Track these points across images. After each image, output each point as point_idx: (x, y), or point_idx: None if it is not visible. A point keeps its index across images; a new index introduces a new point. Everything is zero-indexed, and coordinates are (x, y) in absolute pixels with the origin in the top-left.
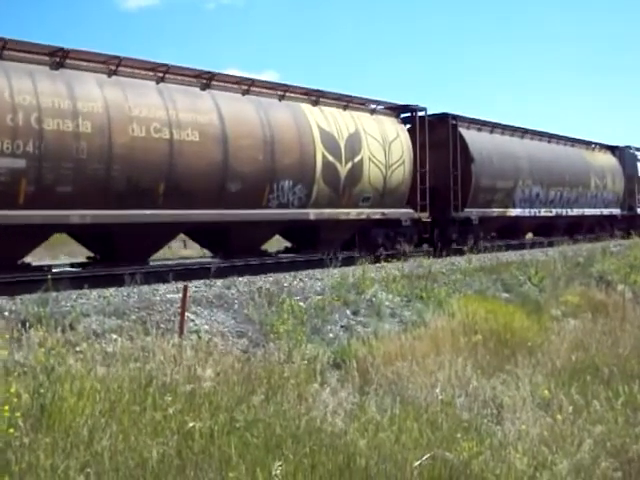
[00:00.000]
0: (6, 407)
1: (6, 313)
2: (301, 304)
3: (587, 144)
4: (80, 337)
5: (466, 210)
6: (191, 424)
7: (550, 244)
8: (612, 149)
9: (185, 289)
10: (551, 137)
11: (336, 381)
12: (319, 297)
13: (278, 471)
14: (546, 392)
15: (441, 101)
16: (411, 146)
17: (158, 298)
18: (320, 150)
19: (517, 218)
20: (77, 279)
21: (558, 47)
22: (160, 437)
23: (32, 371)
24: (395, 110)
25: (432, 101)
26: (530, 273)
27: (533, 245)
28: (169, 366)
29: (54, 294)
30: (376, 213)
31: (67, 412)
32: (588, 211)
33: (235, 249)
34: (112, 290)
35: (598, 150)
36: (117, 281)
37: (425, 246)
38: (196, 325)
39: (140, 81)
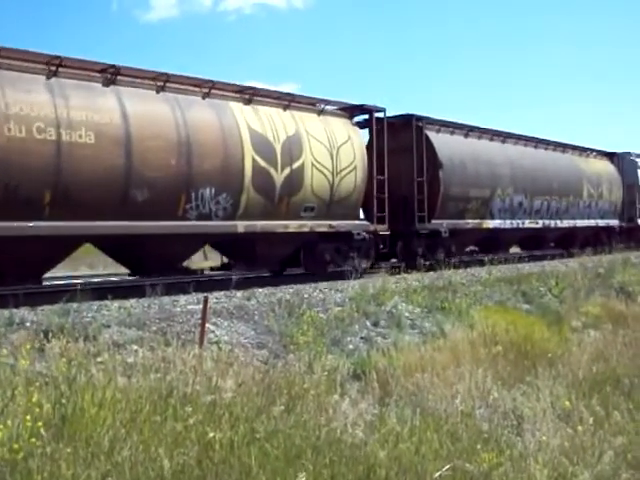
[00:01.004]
0: (28, 417)
1: (28, 324)
2: (321, 315)
3: (580, 150)
4: (101, 348)
5: (434, 222)
6: (211, 435)
7: (533, 258)
8: (610, 156)
9: (205, 300)
10: (538, 142)
11: (356, 392)
12: (339, 308)
13: None
14: (567, 403)
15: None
16: (365, 151)
17: (179, 309)
18: (250, 154)
19: (496, 230)
20: None
21: (561, 55)
22: (180, 447)
23: (53, 381)
24: (348, 111)
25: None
26: (550, 284)
27: (520, 259)
28: (190, 377)
29: (75, 305)
30: (322, 225)
31: (88, 422)
32: (581, 222)
33: (151, 266)
34: (133, 301)
35: (593, 157)
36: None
37: (394, 261)
38: (216, 336)
39: (26, 75)
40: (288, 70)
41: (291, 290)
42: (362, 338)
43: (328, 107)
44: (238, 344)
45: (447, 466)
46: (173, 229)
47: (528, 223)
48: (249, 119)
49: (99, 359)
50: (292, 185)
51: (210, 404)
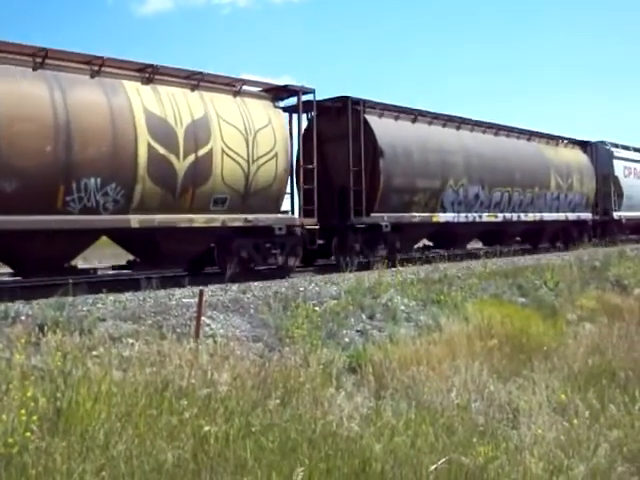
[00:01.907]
0: (23, 411)
1: (23, 317)
2: (316, 308)
3: (548, 138)
4: (97, 341)
5: (373, 215)
6: (207, 428)
7: (493, 254)
8: (582, 145)
9: (201, 293)
10: (499, 129)
11: (352, 385)
12: (335, 301)
13: (300, 477)
14: (562, 396)
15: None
16: (288, 136)
17: (174, 302)
18: (145, 140)
19: (450, 224)
20: None
21: (562, 47)
22: (176, 441)
23: (49, 375)
24: (271, 92)
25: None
26: (546, 277)
27: (479, 255)
28: (185, 370)
29: (70, 298)
30: (236, 219)
31: (83, 416)
32: (549, 216)
33: (33, 265)
34: (128, 294)
35: (564, 145)
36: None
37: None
38: (212, 329)
39: None
40: (283, 63)
41: (286, 283)
42: (358, 331)
43: (247, 88)
44: (234, 337)
45: (443, 459)
46: (51, 224)
47: (486, 217)
48: (146, 100)
49: (94, 353)
50: (198, 174)
51: (206, 398)
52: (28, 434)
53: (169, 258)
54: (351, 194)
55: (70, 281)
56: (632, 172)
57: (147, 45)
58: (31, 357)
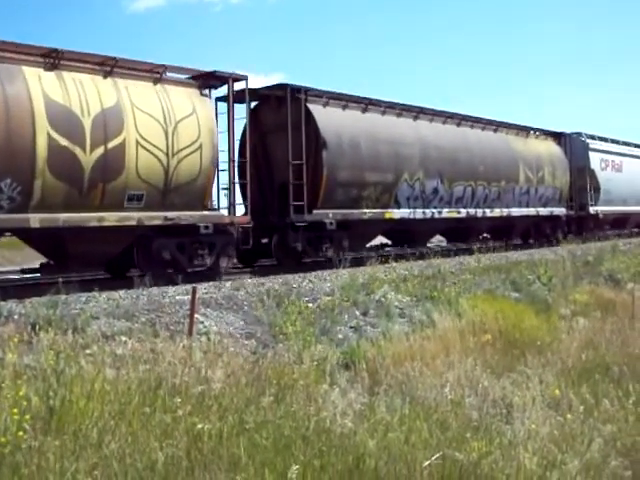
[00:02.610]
0: (15, 410)
1: (16, 316)
2: (310, 305)
3: (518, 129)
4: (90, 340)
5: (316, 212)
6: (200, 426)
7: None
8: (556, 136)
9: (194, 291)
10: (462, 119)
11: (345, 382)
12: (328, 298)
13: (294, 475)
14: (556, 391)
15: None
16: (216, 127)
17: (167, 300)
18: (44, 130)
19: (405, 221)
20: None
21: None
22: (169, 439)
23: (42, 374)
24: (198, 80)
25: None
26: (539, 272)
27: (437, 253)
28: (179, 368)
29: (63, 297)
30: (155, 217)
31: (77, 414)
32: (517, 211)
33: None
34: (121, 292)
35: (535, 137)
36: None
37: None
38: (205, 327)
39: None
40: (275, 60)
41: (280, 280)
42: (351, 327)
43: (171, 75)
44: (227, 334)
45: (436, 455)
46: None
47: (447, 213)
48: (48, 88)
49: (88, 351)
50: (108, 169)
51: (199, 395)
52: (21, 433)
53: (80, 260)
54: (291, 189)
55: (60, 279)
56: (610, 165)
57: (138, 42)
58: (24, 356)
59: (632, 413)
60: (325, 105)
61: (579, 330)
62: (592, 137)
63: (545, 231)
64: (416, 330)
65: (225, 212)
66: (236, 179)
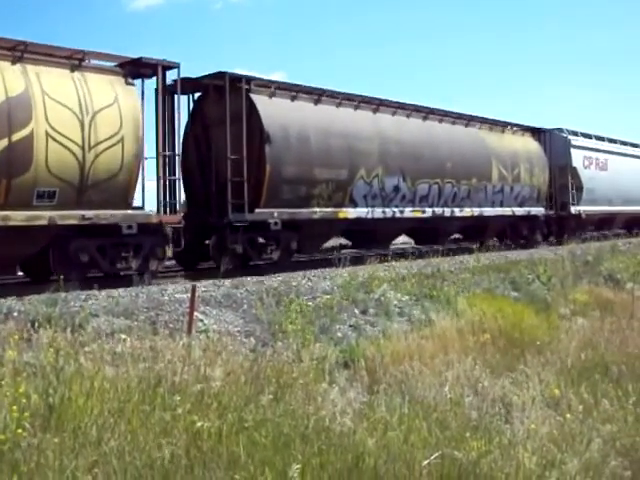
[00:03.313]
0: (15, 407)
1: (15, 314)
2: (309, 303)
3: (491, 124)
4: (89, 337)
5: (259, 211)
6: (200, 424)
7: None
8: (535, 132)
9: (193, 289)
10: (429, 112)
11: (345, 380)
12: (328, 296)
13: (296, 474)
14: (555, 391)
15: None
16: (140, 118)
17: (167, 298)
18: None
19: (362, 221)
20: None
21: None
22: (169, 437)
23: (41, 371)
24: (124, 67)
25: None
26: (539, 271)
27: (401, 255)
28: (178, 366)
29: (63, 294)
30: (69, 217)
31: (76, 412)
32: (490, 211)
33: None
34: (121, 290)
35: (511, 132)
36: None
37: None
38: (205, 325)
39: None
40: (276, 59)
41: (279, 278)
42: (350, 326)
43: (92, 62)
44: (226, 333)
45: (436, 454)
46: None
47: (410, 212)
48: None
49: (87, 349)
50: (13, 162)
51: (199, 393)
52: (20, 431)
53: None
54: (229, 187)
55: (61, 277)
56: (594, 163)
57: (138, 40)
58: (23, 353)
59: (631, 413)
60: (271, 96)
61: (578, 330)
62: (574, 133)
63: (522, 232)
64: (415, 329)
65: (154, 211)
66: (174, 175)
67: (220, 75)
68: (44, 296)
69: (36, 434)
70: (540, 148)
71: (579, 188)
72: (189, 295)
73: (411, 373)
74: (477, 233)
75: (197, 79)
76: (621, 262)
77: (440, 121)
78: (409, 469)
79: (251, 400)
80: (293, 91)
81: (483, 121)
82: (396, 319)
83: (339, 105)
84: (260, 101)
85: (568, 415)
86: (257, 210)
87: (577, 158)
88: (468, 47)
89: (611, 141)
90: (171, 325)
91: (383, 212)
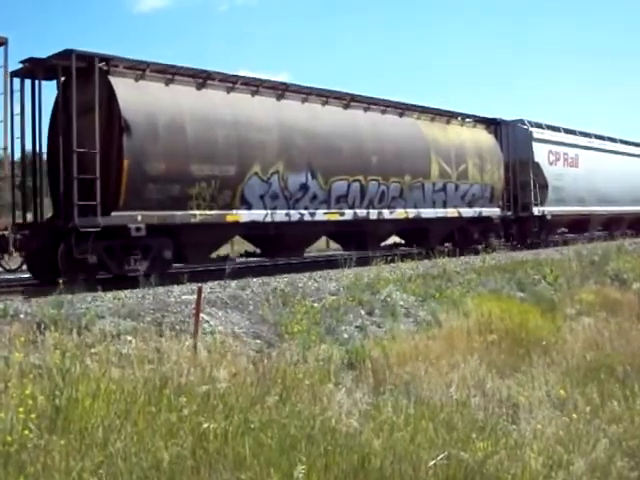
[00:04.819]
0: (21, 409)
1: (22, 316)
2: (315, 305)
3: (435, 114)
4: (95, 339)
5: (117, 214)
6: (206, 425)
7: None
8: (489, 123)
9: (200, 290)
10: (352, 100)
11: (351, 381)
12: (333, 297)
13: (301, 475)
14: (562, 391)
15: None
16: None
17: (173, 299)
18: None
19: (261, 225)
20: None
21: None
22: (175, 438)
23: (47, 373)
24: None
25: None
26: (545, 272)
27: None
28: (184, 367)
29: (69, 296)
30: None
31: (82, 414)
32: (430, 212)
33: None
34: (127, 292)
35: (459, 124)
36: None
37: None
38: (211, 326)
39: None
40: (281, 59)
41: (285, 279)
42: (356, 327)
43: None
44: (232, 334)
45: (442, 455)
46: None
47: (325, 214)
48: None
49: (93, 350)
50: None
51: (204, 394)
52: (26, 432)
53: None
54: (75, 185)
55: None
56: (561, 158)
57: (144, 41)
58: (30, 355)
59: (638, 414)
60: (139, 79)
61: (584, 330)
62: (538, 125)
63: (472, 236)
64: (421, 330)
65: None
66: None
67: (66, 55)
68: (51, 298)
69: (42, 435)
70: (494, 141)
71: (543, 186)
72: (195, 296)
73: (417, 374)
74: (418, 237)
75: (42, 60)
76: (627, 262)
77: (365, 110)
78: (415, 470)
79: (257, 401)
80: (169, 73)
81: (423, 111)
82: (402, 320)
83: (230, 90)
84: (121, 85)
85: (574, 415)
86: (114, 213)
87: (541, 153)
88: (468, 47)
89: (584, 135)
90: (177, 326)
91: (287, 215)
